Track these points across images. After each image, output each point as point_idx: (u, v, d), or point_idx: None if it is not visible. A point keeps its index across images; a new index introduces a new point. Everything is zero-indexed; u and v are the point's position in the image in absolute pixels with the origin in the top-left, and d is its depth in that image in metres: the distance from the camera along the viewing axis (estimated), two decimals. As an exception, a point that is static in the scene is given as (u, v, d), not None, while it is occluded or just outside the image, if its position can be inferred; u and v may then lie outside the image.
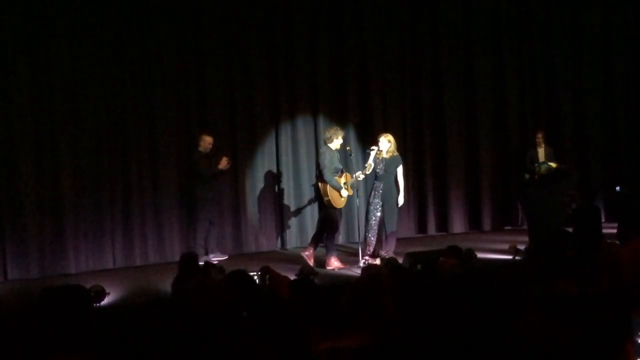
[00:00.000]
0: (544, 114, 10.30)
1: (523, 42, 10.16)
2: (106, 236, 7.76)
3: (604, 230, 6.72)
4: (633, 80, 10.52)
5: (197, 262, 5.40)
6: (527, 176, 9.30)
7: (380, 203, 7.19)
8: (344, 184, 7.17)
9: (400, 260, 6.58)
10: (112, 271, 7.60)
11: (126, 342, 2.90)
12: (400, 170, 7.27)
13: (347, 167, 7.76)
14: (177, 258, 5.91)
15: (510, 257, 7.01)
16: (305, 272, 6.22)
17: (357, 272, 6.65)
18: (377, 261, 6.95)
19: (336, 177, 7.10)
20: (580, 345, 2.57)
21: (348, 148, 7.87)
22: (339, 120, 8.85)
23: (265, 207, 8.75)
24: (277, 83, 8.77)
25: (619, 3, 10.49)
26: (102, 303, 5.46)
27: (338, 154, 7.22)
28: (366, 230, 7.29)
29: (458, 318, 3.09)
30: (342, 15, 9.09)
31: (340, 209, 7.50)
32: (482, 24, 9.87)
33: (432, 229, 9.65)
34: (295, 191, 8.94)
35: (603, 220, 7.99)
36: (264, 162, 8.77)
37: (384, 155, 7.18)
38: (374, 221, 7.24)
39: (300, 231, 8.93)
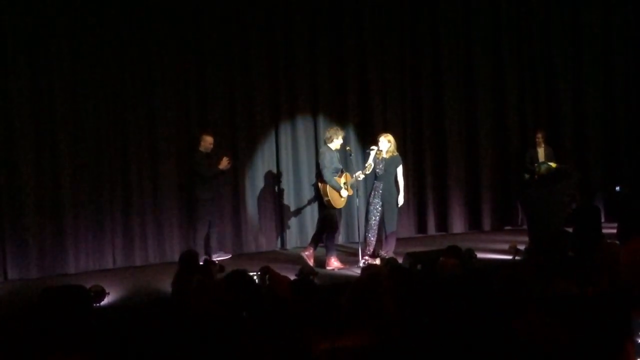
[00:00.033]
0: (544, 114, 10.29)
1: (523, 42, 10.15)
2: (106, 236, 7.76)
3: (604, 230, 6.73)
4: (633, 80, 10.51)
5: (197, 260, 5.40)
6: (527, 176, 9.29)
7: (380, 203, 7.19)
8: (344, 184, 7.17)
9: (400, 260, 6.59)
10: (112, 271, 7.61)
11: (126, 342, 2.90)
12: (400, 170, 7.26)
13: (347, 167, 7.76)
14: (177, 258, 5.90)
15: (510, 257, 7.01)
16: (305, 272, 6.23)
17: (357, 272, 6.65)
18: (377, 261, 6.95)
19: (336, 177, 7.10)
20: (580, 345, 2.57)
21: (348, 148, 7.87)
22: (339, 120, 8.85)
23: (265, 207, 8.75)
24: (277, 83, 8.77)
25: (619, 3, 10.48)
26: (102, 303, 5.47)
27: (338, 154, 7.21)
28: (366, 230, 7.29)
29: (458, 318, 3.09)
30: (342, 15, 9.08)
31: (340, 209, 7.50)
32: (482, 24, 9.86)
33: (432, 229, 9.65)
34: (295, 191, 8.94)
35: (603, 220, 7.99)
36: (264, 162, 8.77)
37: (384, 155, 7.17)
38: (374, 221, 7.24)
39: (300, 231, 8.93)
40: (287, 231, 8.88)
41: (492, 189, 9.89)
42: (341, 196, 7.12)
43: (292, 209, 8.90)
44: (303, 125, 8.96)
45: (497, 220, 9.93)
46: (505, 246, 7.34)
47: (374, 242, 7.27)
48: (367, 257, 7.13)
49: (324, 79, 9.01)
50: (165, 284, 5.80)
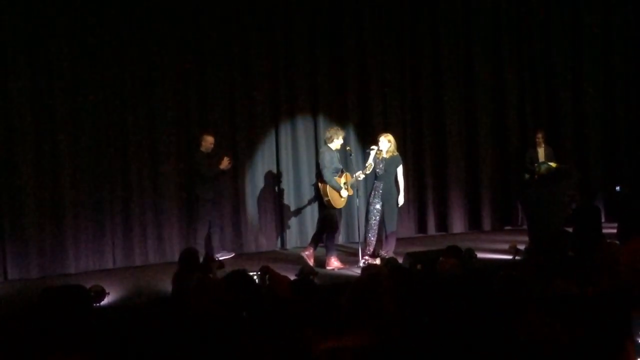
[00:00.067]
0: (544, 114, 10.29)
1: (523, 42, 10.15)
2: (106, 236, 7.76)
3: (604, 230, 6.73)
4: (633, 80, 10.51)
5: (198, 258, 5.40)
6: (527, 176, 9.29)
7: (380, 203, 7.19)
8: (344, 184, 7.16)
9: (400, 260, 6.58)
10: (112, 271, 7.61)
11: (126, 342, 2.90)
12: (400, 170, 7.26)
13: (347, 167, 7.76)
14: (177, 258, 5.91)
15: (510, 257, 7.01)
16: (305, 272, 6.22)
17: (357, 272, 6.65)
18: (377, 261, 6.95)
19: (336, 177, 7.09)
20: (580, 345, 2.57)
21: (348, 148, 7.86)
22: (339, 120, 8.85)
23: (265, 207, 8.75)
24: (277, 83, 8.77)
25: (619, 3, 10.48)
26: (102, 303, 5.47)
27: (338, 154, 7.21)
28: (366, 230, 7.29)
29: (458, 318, 3.09)
30: (342, 15, 9.08)
31: (340, 209, 7.50)
32: (482, 24, 9.86)
33: (432, 229, 9.65)
34: (295, 191, 8.94)
35: (603, 220, 7.99)
36: (264, 162, 8.77)
37: (384, 155, 7.17)
38: (374, 221, 7.24)
39: (300, 231, 8.93)
40: (287, 231, 8.88)
41: (492, 189, 9.89)
42: (341, 196, 7.12)
43: (292, 209, 8.90)
44: (303, 125, 8.96)
45: (497, 220, 9.93)
46: (505, 246, 7.34)
47: (374, 242, 7.27)
48: (367, 257, 7.13)
49: (324, 79, 9.01)
50: (165, 284, 5.80)
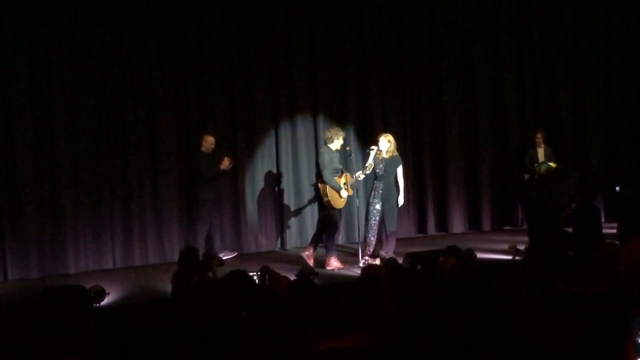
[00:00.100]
0: (544, 114, 10.29)
1: (523, 42, 10.16)
2: (106, 236, 7.77)
3: (604, 230, 6.73)
4: (633, 80, 10.52)
5: (197, 257, 5.40)
6: (526, 176, 9.30)
7: (380, 203, 7.19)
8: (344, 184, 7.17)
9: (400, 260, 6.58)
10: (112, 271, 7.61)
11: (126, 342, 2.90)
12: (400, 170, 7.26)
13: (347, 167, 7.77)
14: (177, 258, 5.91)
15: (510, 257, 7.01)
16: (305, 272, 6.22)
17: (357, 272, 6.65)
18: (377, 261, 6.96)
19: (336, 178, 7.10)
20: (580, 345, 2.57)
21: (348, 148, 7.87)
22: (339, 120, 8.85)
23: (265, 207, 8.75)
24: (277, 83, 8.77)
25: (619, 3, 10.49)
26: (102, 303, 5.47)
27: (338, 154, 7.21)
28: (366, 231, 7.29)
29: (458, 318, 3.09)
30: (342, 15, 9.09)
31: (340, 209, 7.50)
32: (482, 24, 9.87)
33: (431, 229, 9.65)
34: (295, 191, 8.94)
35: (603, 220, 7.99)
36: (264, 162, 8.77)
37: (384, 155, 7.17)
38: (374, 221, 7.24)
39: (300, 231, 8.93)
40: (287, 231, 8.88)
41: (492, 189, 9.90)
42: (341, 197, 7.12)
43: (292, 209, 8.90)
44: (303, 126, 8.97)
45: (497, 220, 9.93)
46: (505, 246, 7.35)
47: (374, 242, 7.27)
48: (367, 257, 7.13)
49: (324, 79, 9.01)
50: (165, 284, 5.80)
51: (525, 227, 8.15)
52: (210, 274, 5.19)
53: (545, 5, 10.26)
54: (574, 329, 2.67)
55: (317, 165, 7.27)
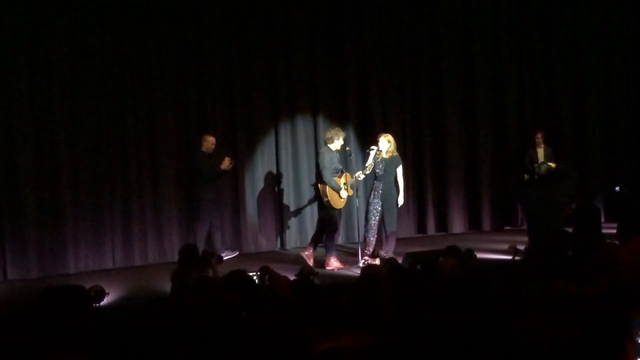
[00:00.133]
0: (544, 114, 10.29)
1: (523, 42, 10.16)
2: (106, 236, 7.76)
3: (604, 230, 6.73)
4: (633, 80, 10.52)
5: (197, 254, 5.40)
6: (526, 176, 9.30)
7: (380, 203, 7.18)
8: (344, 184, 7.16)
9: (400, 260, 6.58)
10: (111, 271, 7.61)
11: (126, 342, 2.90)
12: (399, 170, 7.26)
13: (347, 167, 7.76)
14: (176, 258, 5.91)
15: (510, 257, 7.01)
16: (305, 272, 6.22)
17: (356, 272, 6.65)
18: (377, 261, 6.96)
19: (336, 178, 7.10)
20: (580, 345, 2.57)
21: (348, 148, 7.86)
22: (339, 120, 8.85)
23: (265, 207, 8.75)
24: (277, 83, 8.77)
25: (619, 3, 10.49)
26: (102, 303, 5.47)
27: (338, 154, 7.21)
28: (366, 231, 7.29)
29: (458, 318, 3.09)
30: (342, 15, 9.08)
31: (340, 209, 7.50)
32: (482, 24, 9.87)
33: (431, 229, 9.65)
34: (295, 191, 8.94)
35: (603, 220, 7.99)
36: (264, 162, 8.77)
37: (384, 155, 7.17)
38: (374, 221, 7.24)
39: (300, 231, 8.93)
40: (287, 231, 8.88)
41: (492, 189, 9.89)
42: (341, 197, 7.12)
43: (292, 209, 8.90)
44: (303, 126, 8.96)
45: (497, 220, 9.93)
46: (505, 246, 7.34)
47: (373, 242, 7.27)
48: (367, 257, 7.13)
49: (324, 79, 9.01)
50: (165, 284, 5.79)
51: (525, 227, 8.16)
52: (210, 272, 5.19)
53: (545, 5, 10.26)
54: (574, 329, 2.67)
55: (317, 165, 7.27)
